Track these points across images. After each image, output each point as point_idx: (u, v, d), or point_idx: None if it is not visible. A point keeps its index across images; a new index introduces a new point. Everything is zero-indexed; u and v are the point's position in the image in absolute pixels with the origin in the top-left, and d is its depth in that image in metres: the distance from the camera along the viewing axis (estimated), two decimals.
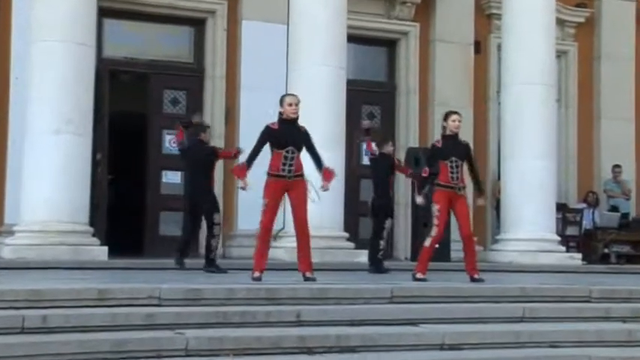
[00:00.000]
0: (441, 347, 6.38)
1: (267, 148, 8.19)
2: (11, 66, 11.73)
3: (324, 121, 11.04)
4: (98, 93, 11.27)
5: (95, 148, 11.24)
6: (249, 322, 6.28)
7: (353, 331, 6.36)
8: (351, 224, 12.40)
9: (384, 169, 10.45)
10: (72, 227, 10.14)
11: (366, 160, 12.77)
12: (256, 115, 11.09)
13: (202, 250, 10.17)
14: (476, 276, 8.67)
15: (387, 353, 6.18)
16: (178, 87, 13.19)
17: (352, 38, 12.56)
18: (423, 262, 8.78)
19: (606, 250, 14.52)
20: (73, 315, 5.89)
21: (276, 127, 8.18)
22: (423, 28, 14.52)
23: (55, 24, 10.27)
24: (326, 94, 11.32)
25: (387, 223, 10.38)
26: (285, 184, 8.09)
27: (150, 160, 12.99)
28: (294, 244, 8.39)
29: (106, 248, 10.39)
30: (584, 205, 14.95)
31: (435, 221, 8.76)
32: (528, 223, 12.56)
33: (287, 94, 8.56)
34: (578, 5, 15.63)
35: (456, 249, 11.67)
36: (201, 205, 9.55)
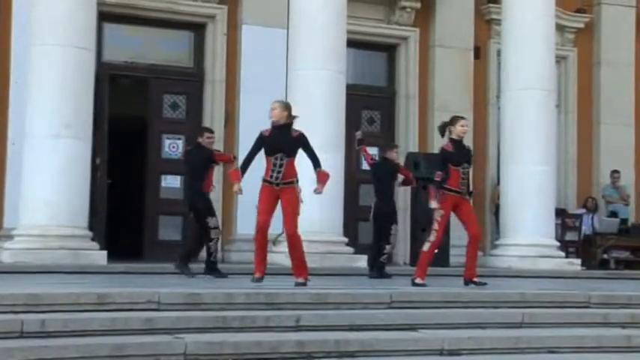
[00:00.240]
0: (440, 352, 6.37)
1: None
2: (11, 69, 11.72)
3: (323, 125, 11.06)
4: (98, 97, 11.29)
5: (95, 153, 11.26)
6: (249, 327, 6.28)
7: (352, 336, 6.36)
8: (350, 229, 12.40)
9: (386, 174, 10.45)
10: (71, 231, 10.14)
11: (365, 165, 12.80)
12: (256, 119, 11.01)
13: (203, 254, 10.14)
14: (476, 279, 8.67)
15: (386, 358, 6.18)
16: (178, 91, 13.19)
17: (352, 43, 12.58)
18: (423, 267, 8.76)
19: (605, 256, 14.53)
20: (72, 319, 5.89)
21: (267, 133, 8.27)
22: (423, 34, 14.53)
23: (55, 28, 10.28)
24: (325, 98, 11.33)
25: (393, 229, 10.38)
26: (274, 190, 8.14)
27: (149, 165, 12.99)
28: None
29: (105, 252, 10.38)
30: (583, 211, 14.95)
31: (435, 226, 8.71)
32: (527, 228, 12.57)
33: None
34: (577, 11, 15.65)
35: (455, 254, 11.71)
36: (195, 207, 9.56)
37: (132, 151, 13.83)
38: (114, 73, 12.89)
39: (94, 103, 10.82)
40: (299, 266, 8.17)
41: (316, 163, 8.31)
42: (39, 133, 10.20)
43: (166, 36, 13.31)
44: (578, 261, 13.16)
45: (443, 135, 9.02)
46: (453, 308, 7.30)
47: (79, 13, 10.39)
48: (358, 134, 11.03)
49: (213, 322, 6.23)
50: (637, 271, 13.62)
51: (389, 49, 14.66)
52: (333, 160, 11.16)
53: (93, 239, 10.56)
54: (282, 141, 8.18)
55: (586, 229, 14.71)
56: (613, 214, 15.02)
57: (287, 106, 8.37)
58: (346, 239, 11.55)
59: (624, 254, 14.63)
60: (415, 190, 12.70)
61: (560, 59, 14.99)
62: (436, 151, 13.64)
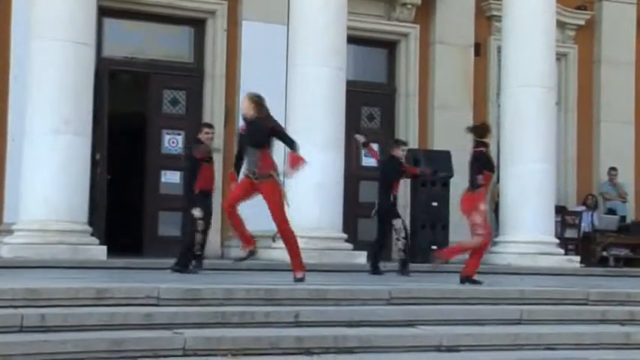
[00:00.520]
0: (439, 349, 6.38)
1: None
2: (10, 65, 11.71)
3: (323, 122, 11.06)
4: (98, 93, 11.28)
5: (94, 148, 11.26)
6: (248, 323, 6.28)
7: (351, 332, 6.37)
8: (350, 225, 12.40)
9: (391, 171, 10.43)
10: (71, 227, 10.15)
11: (365, 162, 12.80)
12: None
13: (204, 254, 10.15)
14: (475, 278, 8.68)
15: (385, 354, 6.19)
16: (178, 87, 13.19)
17: (352, 39, 12.56)
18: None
19: (605, 253, 14.53)
20: (72, 314, 5.90)
21: (242, 130, 8.35)
22: (423, 30, 14.52)
23: (55, 23, 10.27)
24: (325, 95, 11.32)
25: (395, 223, 10.33)
26: (254, 183, 8.13)
27: (149, 160, 12.99)
28: None
29: (104, 248, 10.40)
30: (583, 208, 14.96)
31: (480, 230, 8.73)
32: (527, 225, 12.55)
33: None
34: (578, 8, 15.63)
35: None
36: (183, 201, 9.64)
37: (131, 146, 13.82)
38: (114, 69, 12.89)
39: (94, 98, 10.82)
40: (295, 260, 8.12)
41: (290, 145, 8.08)
42: (39, 129, 10.19)
43: (166, 31, 13.30)
44: (578, 258, 13.16)
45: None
46: (452, 305, 7.30)
47: (79, 8, 10.38)
48: (360, 137, 11.00)
49: (212, 317, 6.23)
50: (636, 268, 13.62)
51: (389, 46, 14.65)
52: (333, 157, 11.18)
53: (92, 234, 10.57)
54: (254, 134, 8.12)
55: (585, 226, 14.72)
56: (610, 211, 15.03)
57: (253, 98, 8.21)
58: (345, 235, 11.55)
59: (624, 252, 14.64)
60: (422, 183, 12.65)
61: (560, 56, 14.96)
62: (436, 147, 13.75)
